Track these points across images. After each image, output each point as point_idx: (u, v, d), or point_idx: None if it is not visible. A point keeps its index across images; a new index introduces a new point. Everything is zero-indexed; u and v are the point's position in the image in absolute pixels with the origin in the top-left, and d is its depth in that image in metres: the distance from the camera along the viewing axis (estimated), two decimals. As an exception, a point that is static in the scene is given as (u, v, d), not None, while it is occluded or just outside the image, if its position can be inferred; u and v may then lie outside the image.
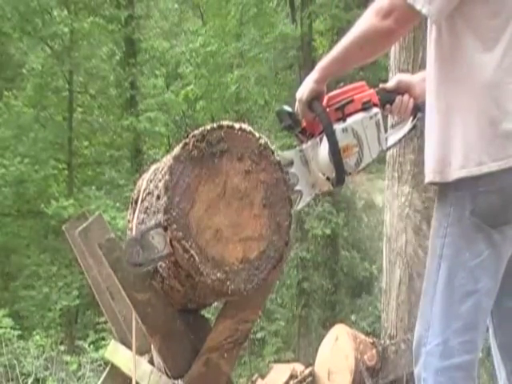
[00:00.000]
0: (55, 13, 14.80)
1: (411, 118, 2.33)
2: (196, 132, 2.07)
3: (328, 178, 2.22)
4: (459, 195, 1.87)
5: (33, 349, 8.45)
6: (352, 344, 3.92)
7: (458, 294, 1.87)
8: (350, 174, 2.22)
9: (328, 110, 2.15)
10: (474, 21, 1.84)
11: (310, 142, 2.23)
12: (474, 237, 1.86)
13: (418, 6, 1.81)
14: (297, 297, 13.10)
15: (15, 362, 7.88)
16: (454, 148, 1.86)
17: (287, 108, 2.20)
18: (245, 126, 2.14)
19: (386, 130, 2.29)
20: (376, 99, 2.24)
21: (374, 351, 3.93)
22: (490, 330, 2.05)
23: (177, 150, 2.06)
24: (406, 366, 3.84)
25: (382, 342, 4.13)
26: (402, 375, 3.91)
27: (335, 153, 2.14)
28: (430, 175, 1.94)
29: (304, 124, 2.22)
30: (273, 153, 2.15)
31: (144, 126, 14.64)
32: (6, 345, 8.28)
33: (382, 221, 4.52)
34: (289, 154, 2.23)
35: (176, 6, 17.80)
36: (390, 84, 2.30)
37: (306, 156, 2.24)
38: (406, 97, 2.26)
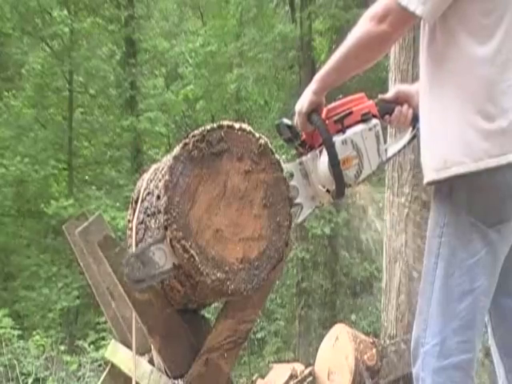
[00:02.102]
0: (55, 13, 14.79)
1: (411, 128, 2.33)
2: (196, 132, 2.07)
3: (328, 191, 2.21)
4: (455, 194, 1.87)
5: (33, 349, 8.45)
6: (352, 344, 3.92)
7: (455, 293, 1.88)
8: (350, 185, 2.21)
9: (327, 122, 2.15)
10: (467, 19, 1.85)
11: (309, 155, 2.22)
12: (470, 236, 1.87)
13: (412, 7, 1.82)
14: (297, 297, 13.10)
15: (15, 362, 7.88)
16: (450, 145, 1.86)
17: (286, 121, 2.19)
18: (245, 125, 2.14)
19: (385, 141, 2.28)
20: (375, 110, 2.24)
21: (374, 351, 3.93)
22: (489, 329, 2.06)
23: (177, 149, 2.05)
24: (405, 365, 3.84)
25: (382, 341, 4.13)
26: (402, 375, 3.92)
27: (335, 165, 2.14)
28: (427, 175, 1.95)
29: (303, 136, 2.22)
30: (273, 153, 2.15)
31: (144, 126, 14.65)
32: (6, 345, 8.28)
33: (382, 221, 4.52)
34: (288, 167, 2.23)
35: (176, 6, 17.79)
36: (389, 95, 2.30)
37: (305, 168, 2.24)
38: (405, 107, 2.25)
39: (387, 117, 2.28)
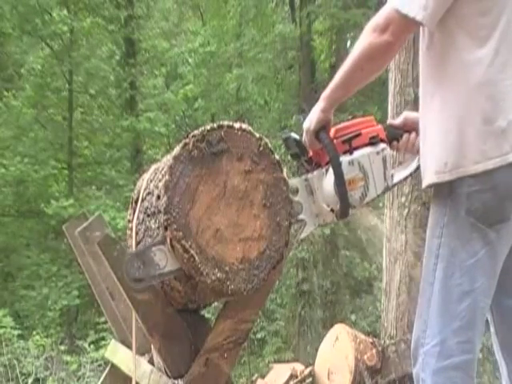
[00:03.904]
0: (55, 13, 14.79)
1: (418, 156, 2.31)
2: (196, 132, 2.07)
3: (332, 210, 2.20)
4: (454, 195, 1.88)
5: (33, 349, 8.44)
6: (352, 344, 3.93)
7: (455, 293, 1.88)
8: (354, 207, 2.20)
9: (335, 141, 2.14)
10: (465, 19, 1.85)
11: (315, 172, 2.22)
12: (469, 236, 1.87)
13: (412, 14, 1.82)
14: (297, 297, 13.09)
15: (15, 361, 7.87)
16: (449, 148, 1.86)
17: (294, 135, 2.20)
18: (245, 125, 2.14)
19: (392, 167, 2.27)
20: (383, 135, 2.23)
21: (374, 351, 3.93)
22: (492, 329, 2.06)
23: (177, 149, 2.05)
24: (405, 365, 3.84)
25: (382, 341, 4.13)
26: (402, 375, 3.91)
27: (340, 185, 2.13)
28: (427, 178, 1.95)
29: (311, 153, 2.22)
30: (273, 153, 2.15)
31: (144, 126, 14.64)
32: (6, 345, 8.27)
33: (382, 221, 4.52)
34: (294, 182, 2.22)
35: (175, 6, 17.79)
36: (398, 121, 2.30)
37: (311, 185, 2.23)
38: (413, 135, 2.24)
39: (395, 143, 2.27)
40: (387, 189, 2.27)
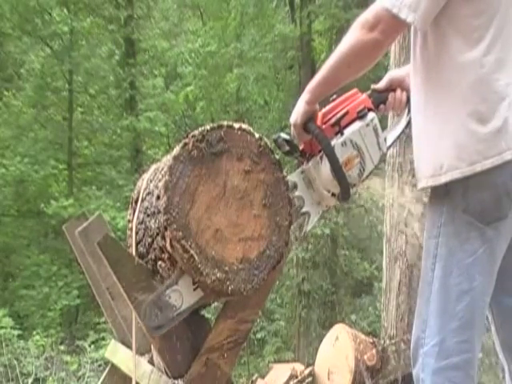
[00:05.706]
0: (55, 13, 14.79)
1: (406, 111, 2.31)
2: (196, 132, 2.07)
3: (333, 194, 2.21)
4: (451, 195, 1.87)
5: (33, 349, 8.45)
6: (352, 344, 3.93)
7: (454, 293, 1.88)
8: (354, 185, 2.21)
9: (324, 127, 2.14)
10: (457, 21, 1.84)
11: (311, 162, 2.22)
12: (467, 235, 1.86)
13: (403, 15, 1.81)
14: (297, 297, 13.09)
15: (15, 362, 7.88)
16: (444, 150, 1.86)
17: (284, 135, 2.19)
18: (244, 125, 2.14)
19: (382, 130, 2.27)
20: (369, 103, 2.22)
21: (374, 351, 3.93)
22: (493, 329, 2.06)
23: (177, 149, 2.05)
24: (405, 365, 3.85)
25: (382, 341, 4.14)
26: (402, 375, 3.92)
27: (337, 170, 2.13)
28: (422, 181, 1.94)
29: (302, 147, 2.22)
30: (272, 153, 2.15)
31: (144, 126, 14.65)
32: (6, 345, 8.28)
33: (382, 221, 4.53)
34: (292, 177, 2.22)
35: (175, 6, 17.79)
36: (382, 83, 2.29)
37: (308, 176, 2.23)
38: (398, 92, 2.24)
39: (382, 106, 2.27)
40: (383, 156, 2.27)
